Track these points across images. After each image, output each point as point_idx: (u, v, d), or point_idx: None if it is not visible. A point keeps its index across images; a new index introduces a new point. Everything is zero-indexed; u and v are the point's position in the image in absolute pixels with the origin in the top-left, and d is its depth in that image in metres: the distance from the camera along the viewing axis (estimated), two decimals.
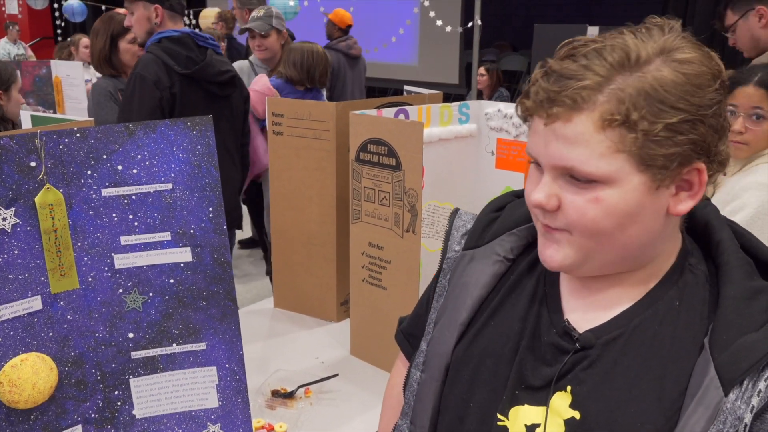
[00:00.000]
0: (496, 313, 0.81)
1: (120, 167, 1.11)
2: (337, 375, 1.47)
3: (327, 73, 2.85)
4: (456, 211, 0.92)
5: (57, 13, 8.63)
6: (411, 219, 1.41)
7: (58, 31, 8.99)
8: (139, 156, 1.12)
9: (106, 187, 1.10)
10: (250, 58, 3.35)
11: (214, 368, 1.19)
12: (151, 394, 1.17)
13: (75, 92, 3.55)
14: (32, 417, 1.06)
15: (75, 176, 1.08)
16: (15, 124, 2.37)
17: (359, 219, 1.51)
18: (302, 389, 1.44)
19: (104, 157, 1.10)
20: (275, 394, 1.43)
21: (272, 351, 1.49)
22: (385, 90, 8.28)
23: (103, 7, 7.78)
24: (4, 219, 1.02)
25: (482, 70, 5.38)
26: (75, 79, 3.52)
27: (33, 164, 1.04)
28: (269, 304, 1.91)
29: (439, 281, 0.89)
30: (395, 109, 1.62)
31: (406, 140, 1.40)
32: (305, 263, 1.79)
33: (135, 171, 1.11)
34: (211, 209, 1.15)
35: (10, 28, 7.77)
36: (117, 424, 1.16)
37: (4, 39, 7.30)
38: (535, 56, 4.44)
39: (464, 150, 1.71)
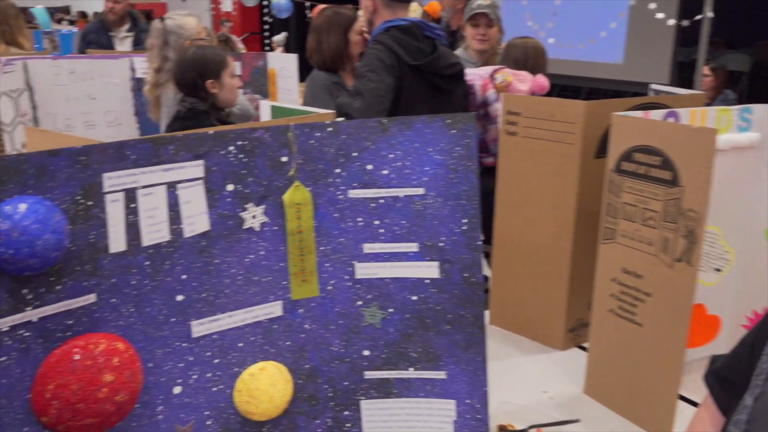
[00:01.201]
0: None
1: (370, 167, 1.00)
2: (578, 421, 1.27)
3: (546, 71, 2.61)
4: None
5: (265, 10, 9.24)
6: (686, 246, 1.16)
7: (265, 26, 9.64)
8: (392, 155, 1.00)
9: (354, 187, 1.00)
10: (457, 51, 3.20)
11: (453, 402, 1.04)
12: (383, 420, 1.05)
13: (288, 84, 3.68)
14: (264, 430, 0.99)
15: (323, 174, 0.99)
16: (227, 113, 2.38)
17: (613, 239, 1.29)
18: (534, 429, 1.26)
19: (354, 154, 0.99)
20: (502, 430, 1.27)
21: (492, 376, 1.32)
22: (578, 89, 7.78)
23: (307, 4, 8.15)
24: (254, 217, 0.95)
25: (707, 69, 4.77)
26: (289, 71, 3.65)
27: (284, 159, 0.96)
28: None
29: None
30: (663, 111, 1.36)
31: (691, 150, 1.14)
32: (531, 280, 1.60)
33: (385, 172, 1.00)
34: (465, 221, 1.00)
35: (224, 23, 8.48)
36: None
37: (220, 33, 7.96)
38: None
39: (742, 164, 1.41)
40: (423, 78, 2.03)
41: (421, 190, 1.00)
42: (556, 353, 1.59)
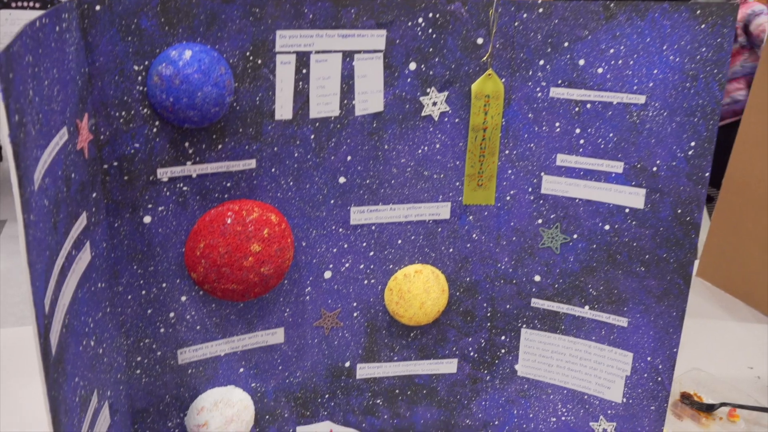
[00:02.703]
0: None
1: (582, 62, 0.82)
2: None
3: None
4: None
5: None
6: None
7: None
8: (612, 51, 0.80)
9: (558, 85, 0.83)
10: None
11: (631, 356, 0.88)
12: (542, 355, 0.93)
13: None
14: (411, 335, 0.93)
15: (524, 65, 0.83)
16: None
17: None
18: (726, 408, 1.05)
19: (565, 45, 0.82)
20: (685, 398, 1.08)
21: (687, 335, 1.11)
22: None
23: None
24: (435, 104, 0.84)
25: None
26: None
27: (480, 41, 0.82)
28: None
29: None
30: None
31: None
32: (762, 236, 1.31)
33: (600, 70, 0.81)
34: (693, 144, 0.79)
35: None
36: (495, 372, 0.96)
37: None
38: None
39: None
40: None
41: (641, 98, 0.80)
42: None
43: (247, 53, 0.73)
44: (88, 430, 0.65)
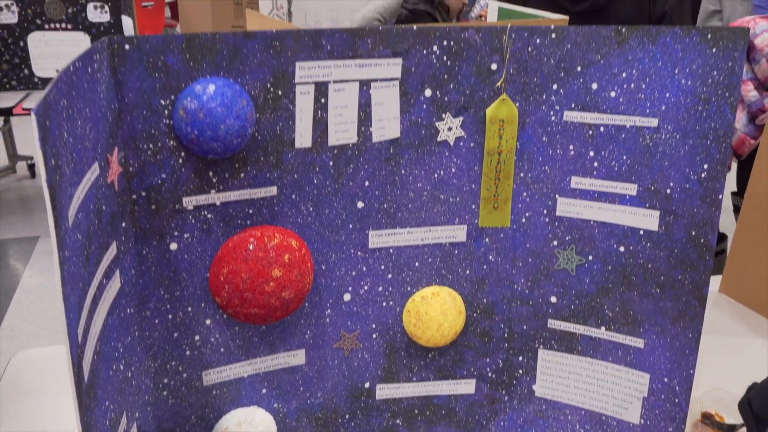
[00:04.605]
0: None
1: (594, 86, 0.83)
2: None
3: None
4: None
5: None
6: None
7: None
8: (624, 74, 0.82)
9: (571, 109, 0.84)
10: None
11: (647, 376, 0.88)
12: (559, 376, 0.94)
13: None
14: (430, 356, 0.94)
15: (537, 90, 0.85)
16: (448, 15, 2.28)
17: None
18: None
19: (578, 69, 0.83)
20: (706, 419, 1.08)
21: (709, 353, 1.10)
22: None
23: None
24: (450, 129, 0.86)
25: None
26: None
27: (494, 67, 0.84)
28: (713, 285, 1.48)
29: None
30: None
31: None
32: None
33: (613, 94, 0.82)
34: (706, 166, 0.80)
35: None
36: (512, 392, 0.97)
37: None
38: None
39: None
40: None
41: (654, 121, 0.81)
42: None
43: (268, 85, 0.75)
44: None
